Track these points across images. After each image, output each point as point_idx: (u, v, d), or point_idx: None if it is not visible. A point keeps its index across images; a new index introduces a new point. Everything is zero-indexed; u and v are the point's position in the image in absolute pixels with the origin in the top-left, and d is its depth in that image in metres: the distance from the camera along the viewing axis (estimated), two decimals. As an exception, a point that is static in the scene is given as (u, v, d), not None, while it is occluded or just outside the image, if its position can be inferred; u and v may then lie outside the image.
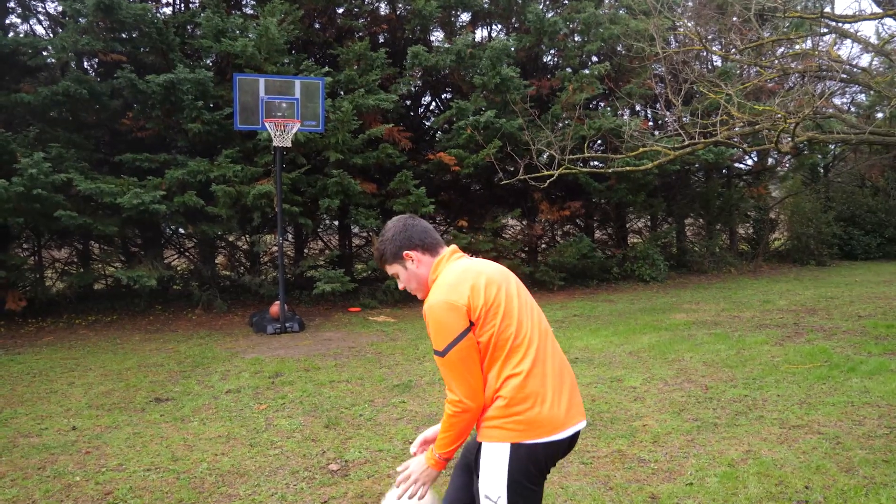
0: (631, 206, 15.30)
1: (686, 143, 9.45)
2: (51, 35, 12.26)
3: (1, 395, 6.41)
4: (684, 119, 10.72)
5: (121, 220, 10.45)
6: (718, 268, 16.04)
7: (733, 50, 10.40)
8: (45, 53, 10.87)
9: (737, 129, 9.70)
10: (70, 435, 5.21)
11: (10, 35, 10.90)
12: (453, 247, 2.39)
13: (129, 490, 4.11)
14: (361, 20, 12.84)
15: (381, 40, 13.51)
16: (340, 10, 13.11)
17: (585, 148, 11.34)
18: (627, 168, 10.99)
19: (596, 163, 13.92)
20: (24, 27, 12.68)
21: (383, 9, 13.69)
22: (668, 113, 14.72)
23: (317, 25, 13.13)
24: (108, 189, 9.66)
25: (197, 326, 10.35)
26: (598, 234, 16.75)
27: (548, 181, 10.20)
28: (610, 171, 11.06)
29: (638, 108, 15.74)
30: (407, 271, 2.34)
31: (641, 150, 10.43)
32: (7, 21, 11.87)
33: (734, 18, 10.96)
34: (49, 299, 11.26)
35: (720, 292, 12.64)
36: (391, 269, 2.37)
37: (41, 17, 12.54)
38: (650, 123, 15.49)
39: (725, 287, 13.43)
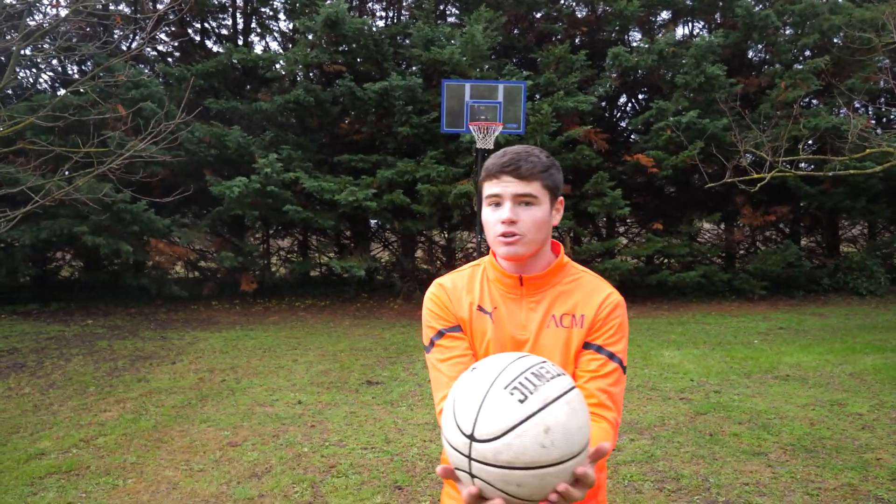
0: (846, 212, 13.64)
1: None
2: (282, 50, 13.46)
3: (239, 366, 7.11)
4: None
5: (337, 214, 11.22)
6: (953, 283, 13.81)
7: None
8: (277, 66, 11.95)
9: None
10: (297, 408, 5.63)
11: (253, 52, 12.09)
12: None
13: (350, 466, 4.33)
14: (560, 24, 12.68)
15: (579, 42, 13.24)
16: (539, 15, 13.05)
17: (801, 149, 10.25)
18: (851, 171, 9.76)
19: (804, 164, 12.58)
20: (261, 44, 14.09)
21: (581, 11, 13.41)
22: (893, 109, 12.92)
23: (516, 31, 13.17)
24: (328, 187, 10.42)
25: (398, 315, 10.83)
26: (804, 242, 15.15)
27: (759, 185, 9.34)
28: (830, 174, 9.89)
29: (857, 104, 13.98)
30: (549, 215, 1.58)
31: (868, 151, 9.21)
32: (249, 39, 13.24)
33: None
34: (274, 283, 12.40)
35: (958, 312, 10.86)
36: (534, 190, 1.54)
37: (276, 35, 13.84)
38: (873, 121, 13.71)
39: (964, 306, 11.52)
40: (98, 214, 9.54)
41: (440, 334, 1.63)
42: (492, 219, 1.57)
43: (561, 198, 1.64)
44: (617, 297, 1.63)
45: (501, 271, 1.64)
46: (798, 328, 9.49)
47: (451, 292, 1.67)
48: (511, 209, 1.53)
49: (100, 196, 8.24)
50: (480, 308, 1.64)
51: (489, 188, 1.57)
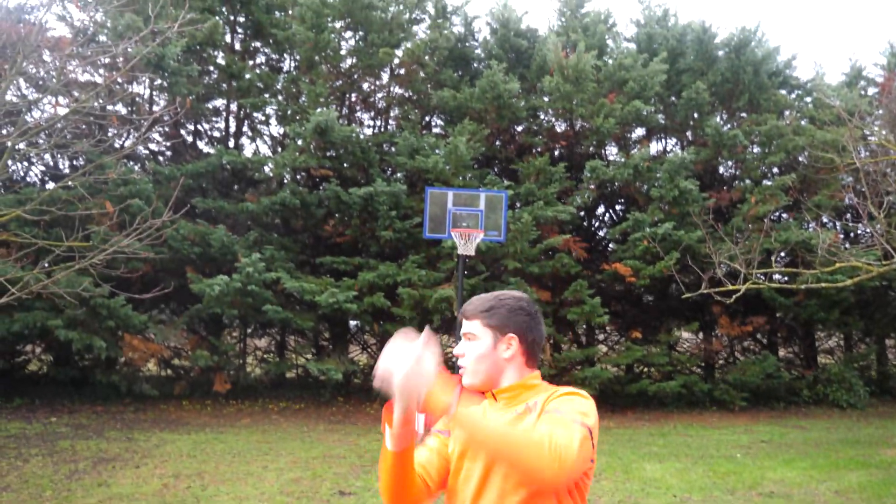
0: (821, 323, 13.82)
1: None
2: (272, 153, 13.80)
3: (206, 472, 6.80)
4: (879, 231, 9.67)
5: (316, 315, 11.16)
6: (931, 397, 13.84)
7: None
8: (266, 169, 12.22)
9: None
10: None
11: (243, 154, 12.39)
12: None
13: (318, 585, 4.07)
14: (539, 137, 13.18)
15: (558, 154, 13.76)
16: (520, 128, 13.61)
17: (774, 261, 10.53)
18: (822, 284, 9.99)
19: (777, 276, 12.87)
20: (251, 146, 14.48)
21: (560, 126, 13.99)
22: (859, 225, 13.40)
23: (498, 142, 13.70)
24: (309, 287, 10.42)
25: (375, 421, 10.53)
26: (782, 352, 15.21)
27: (734, 296, 9.49)
28: (802, 287, 10.10)
29: (825, 219, 14.49)
30: (493, 349, 1.76)
31: (838, 265, 9.46)
32: (240, 142, 13.61)
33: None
34: (248, 384, 12.08)
35: (937, 427, 10.81)
36: (472, 328, 1.78)
37: (266, 139, 14.26)
38: (841, 236, 14.18)
39: (943, 421, 11.47)
40: (73, 308, 9.38)
41: (432, 431, 1.85)
42: None
43: (511, 334, 1.78)
44: (577, 389, 1.69)
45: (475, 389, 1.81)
46: (780, 441, 9.36)
47: None
48: (460, 344, 1.81)
49: (78, 290, 8.14)
50: None
51: None
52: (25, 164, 12.43)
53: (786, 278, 12.54)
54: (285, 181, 12.40)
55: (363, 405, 11.77)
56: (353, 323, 13.18)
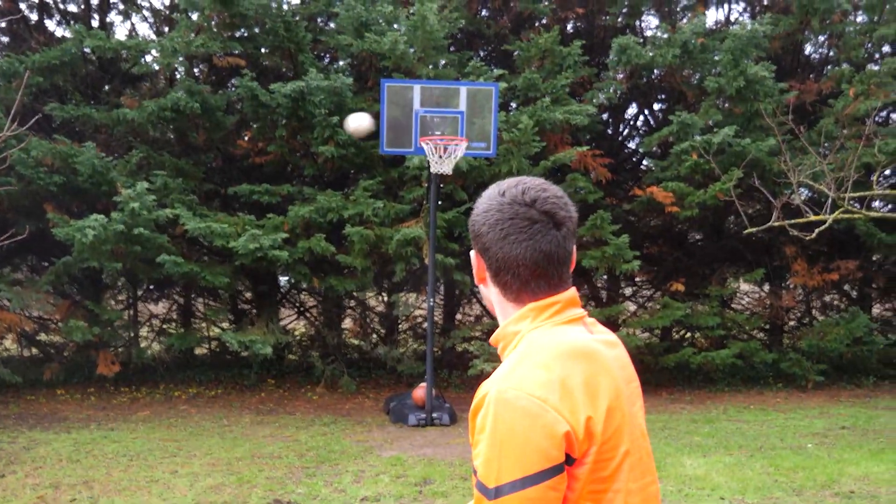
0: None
1: None
2: (155, 36, 13.61)
3: (96, 480, 7.31)
4: None
5: (232, 268, 11.47)
6: None
7: None
8: (148, 58, 12.18)
9: None
10: (178, 540, 5.95)
11: (113, 37, 12.10)
12: (571, 293, 1.71)
13: None
14: (546, 3, 12.92)
15: (572, 29, 13.66)
16: (517, -11, 13.24)
17: (875, 182, 10.73)
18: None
19: (878, 203, 12.87)
20: (124, 26, 14.29)
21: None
22: None
23: (484, 11, 13.52)
24: (219, 230, 10.61)
25: (319, 409, 11.14)
26: (877, 309, 15.61)
27: (817, 230, 9.65)
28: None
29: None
30: (478, 281, 1.80)
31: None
32: (107, 19, 13.43)
33: None
34: (144, 364, 12.54)
35: None
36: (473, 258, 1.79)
37: (145, 14, 14.05)
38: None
39: None
40: None
41: None
42: None
43: (475, 255, 1.76)
44: (485, 391, 1.59)
45: None
46: (867, 427, 9.99)
47: None
48: None
49: None
50: None
51: None
52: None
53: (889, 206, 12.72)
54: (178, 76, 12.35)
55: (302, 389, 12.37)
56: (283, 278, 13.50)
